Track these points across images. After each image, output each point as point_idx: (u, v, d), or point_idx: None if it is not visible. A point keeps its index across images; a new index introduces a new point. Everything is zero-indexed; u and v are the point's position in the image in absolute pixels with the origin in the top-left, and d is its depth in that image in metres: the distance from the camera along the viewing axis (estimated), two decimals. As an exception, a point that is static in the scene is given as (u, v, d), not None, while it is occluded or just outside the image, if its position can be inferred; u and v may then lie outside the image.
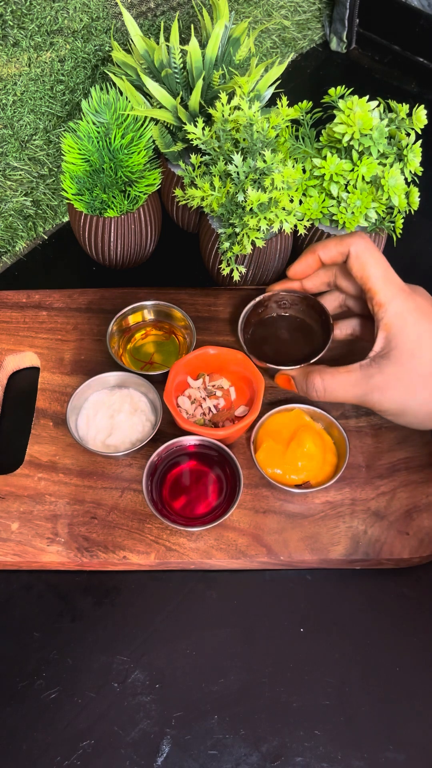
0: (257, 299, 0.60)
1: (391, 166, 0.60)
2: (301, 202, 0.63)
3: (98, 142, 0.62)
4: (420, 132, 0.61)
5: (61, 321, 0.65)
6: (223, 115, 0.59)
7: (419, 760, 0.47)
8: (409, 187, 0.61)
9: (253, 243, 0.60)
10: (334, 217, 0.63)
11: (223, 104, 0.59)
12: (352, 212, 0.61)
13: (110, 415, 0.58)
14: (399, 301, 0.49)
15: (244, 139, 0.58)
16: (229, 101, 0.60)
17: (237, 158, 0.57)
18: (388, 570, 0.54)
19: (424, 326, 0.48)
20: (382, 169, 0.60)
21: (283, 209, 0.59)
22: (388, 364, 0.48)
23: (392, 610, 0.52)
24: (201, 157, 0.62)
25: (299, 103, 0.64)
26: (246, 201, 0.57)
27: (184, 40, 0.72)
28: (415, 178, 0.62)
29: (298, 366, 0.56)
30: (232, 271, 0.63)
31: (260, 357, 0.57)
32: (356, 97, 0.59)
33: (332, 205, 0.62)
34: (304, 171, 0.63)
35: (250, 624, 0.52)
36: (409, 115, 0.61)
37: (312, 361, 0.57)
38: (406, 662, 0.50)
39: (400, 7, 0.85)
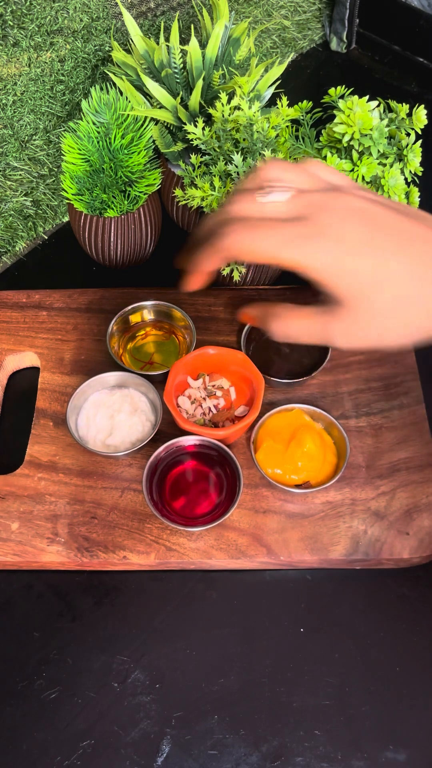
0: None
1: (391, 166, 0.60)
2: (301, 202, 0.63)
3: (98, 142, 0.62)
4: (420, 132, 0.61)
5: (61, 321, 0.65)
6: (223, 115, 0.59)
7: (419, 759, 0.47)
8: (409, 187, 0.61)
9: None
10: (334, 217, 0.63)
11: (223, 104, 0.59)
12: (352, 212, 0.61)
13: (110, 415, 0.58)
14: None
15: (244, 139, 0.58)
16: (229, 101, 0.60)
17: (237, 158, 0.57)
18: (388, 570, 0.54)
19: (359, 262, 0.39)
20: (382, 169, 0.60)
21: (283, 209, 0.59)
22: (340, 311, 0.41)
23: (392, 610, 0.52)
24: (201, 157, 0.62)
25: (299, 103, 0.64)
26: (246, 201, 0.57)
27: (184, 40, 0.72)
28: (415, 178, 0.62)
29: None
30: (232, 271, 0.63)
31: (262, 371, 0.58)
32: (356, 97, 0.59)
33: (332, 205, 0.62)
34: (304, 171, 0.63)
35: (250, 624, 0.52)
36: (409, 115, 0.61)
37: (313, 374, 0.59)
38: (406, 662, 0.50)
39: (400, 7, 0.85)
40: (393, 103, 0.62)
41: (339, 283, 0.40)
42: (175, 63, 0.63)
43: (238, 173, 0.58)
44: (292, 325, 0.44)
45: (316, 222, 0.39)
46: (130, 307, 0.62)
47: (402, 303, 0.40)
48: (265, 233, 0.40)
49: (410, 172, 0.61)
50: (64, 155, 0.62)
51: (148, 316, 0.64)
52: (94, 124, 0.62)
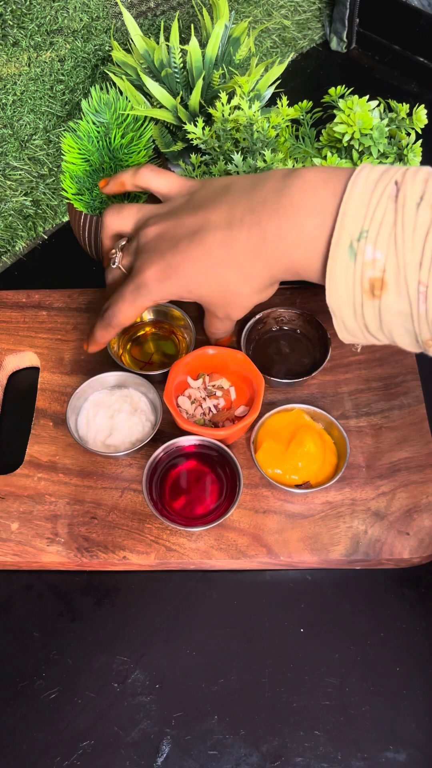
0: (257, 316, 0.62)
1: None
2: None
3: (98, 142, 0.62)
4: (420, 132, 0.61)
5: (61, 321, 0.65)
6: (223, 115, 0.59)
7: (419, 760, 0.47)
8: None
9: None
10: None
11: (223, 104, 0.59)
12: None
13: (110, 415, 0.58)
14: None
15: (244, 139, 0.58)
16: (229, 101, 0.60)
17: (237, 158, 0.57)
18: (388, 570, 0.54)
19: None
20: (382, 169, 0.60)
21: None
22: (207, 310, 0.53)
23: (392, 610, 0.52)
24: (201, 156, 0.62)
25: (299, 103, 0.64)
26: (246, 201, 0.57)
27: (184, 40, 0.72)
28: (416, 178, 0.62)
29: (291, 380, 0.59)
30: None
31: (263, 371, 0.58)
32: (356, 96, 0.59)
33: (332, 205, 0.62)
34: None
35: (250, 624, 0.52)
36: (410, 114, 0.61)
37: (313, 374, 0.59)
38: (406, 662, 0.50)
39: (400, 6, 0.85)
40: (393, 103, 0.62)
41: (185, 299, 0.49)
42: (175, 63, 0.63)
43: (238, 173, 0.58)
44: (211, 328, 0.55)
45: (136, 271, 0.49)
46: None
47: (223, 297, 0.48)
48: (121, 304, 0.50)
49: (410, 171, 0.61)
50: (63, 155, 0.62)
51: (147, 315, 0.64)
52: (93, 123, 0.62)
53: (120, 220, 0.52)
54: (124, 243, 0.52)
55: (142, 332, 0.64)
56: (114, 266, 0.53)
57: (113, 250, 0.53)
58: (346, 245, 0.40)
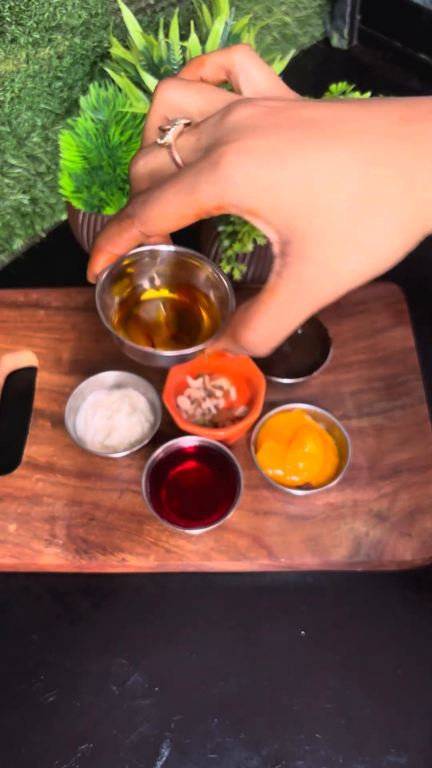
0: None
1: (393, 163, 0.60)
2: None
3: (97, 139, 0.62)
4: (422, 129, 0.61)
5: (59, 320, 0.64)
6: (223, 112, 0.58)
7: (421, 763, 0.46)
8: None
9: (254, 241, 0.59)
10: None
11: (223, 101, 0.58)
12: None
13: (109, 415, 0.57)
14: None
15: (244, 136, 0.58)
16: (229, 98, 0.59)
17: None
18: (390, 572, 0.53)
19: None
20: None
21: (284, 207, 0.58)
22: (291, 261, 0.32)
23: (394, 613, 0.52)
24: (201, 154, 0.61)
25: (300, 100, 0.63)
26: (246, 199, 0.57)
27: (183, 36, 0.72)
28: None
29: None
30: (232, 269, 0.62)
31: (263, 371, 0.58)
32: (358, 93, 0.58)
33: (333, 203, 0.62)
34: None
35: (251, 626, 0.51)
36: (411, 111, 0.61)
37: (315, 374, 0.58)
38: (408, 665, 0.50)
39: (401, 3, 0.84)
40: (395, 100, 0.61)
41: (268, 213, 0.30)
42: (174, 59, 0.63)
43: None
44: (262, 329, 0.36)
45: (215, 145, 0.31)
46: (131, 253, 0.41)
47: (362, 210, 0.29)
48: (167, 189, 0.32)
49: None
50: (62, 152, 0.62)
51: (156, 277, 0.44)
52: (92, 120, 0.62)
53: (189, 94, 0.34)
54: (187, 121, 0.34)
55: (149, 295, 0.45)
56: (161, 141, 0.34)
57: (167, 126, 0.34)
58: None
